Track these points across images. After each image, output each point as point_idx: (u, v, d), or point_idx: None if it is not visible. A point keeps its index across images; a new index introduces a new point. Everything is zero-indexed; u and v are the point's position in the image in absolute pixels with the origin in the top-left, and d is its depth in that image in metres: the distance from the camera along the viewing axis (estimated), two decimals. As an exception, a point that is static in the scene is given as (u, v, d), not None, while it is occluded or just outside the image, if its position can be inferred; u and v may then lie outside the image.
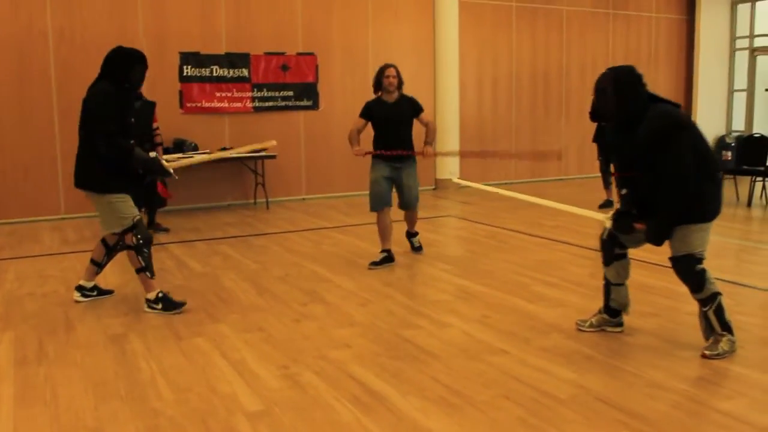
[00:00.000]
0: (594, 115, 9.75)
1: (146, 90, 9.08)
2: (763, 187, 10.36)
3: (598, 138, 9.96)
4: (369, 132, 6.92)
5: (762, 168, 10.22)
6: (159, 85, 9.76)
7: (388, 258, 6.73)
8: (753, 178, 10.26)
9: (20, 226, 9.35)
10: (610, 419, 3.35)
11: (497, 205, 10.44)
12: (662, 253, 6.87)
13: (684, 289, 5.42)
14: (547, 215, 9.35)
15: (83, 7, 9.81)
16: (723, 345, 4.21)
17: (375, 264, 6.63)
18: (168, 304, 5.28)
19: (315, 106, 11.42)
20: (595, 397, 3.60)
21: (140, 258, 5.26)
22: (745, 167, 10.54)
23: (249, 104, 10.89)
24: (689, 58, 15.22)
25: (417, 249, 7.28)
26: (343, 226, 8.65)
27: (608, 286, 4.66)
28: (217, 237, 8.29)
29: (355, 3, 11.69)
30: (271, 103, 11.07)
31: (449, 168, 12.42)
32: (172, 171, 5.45)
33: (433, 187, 12.56)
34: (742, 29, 15.07)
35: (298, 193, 11.48)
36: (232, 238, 8.25)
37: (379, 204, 6.77)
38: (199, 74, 10.50)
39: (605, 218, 4.50)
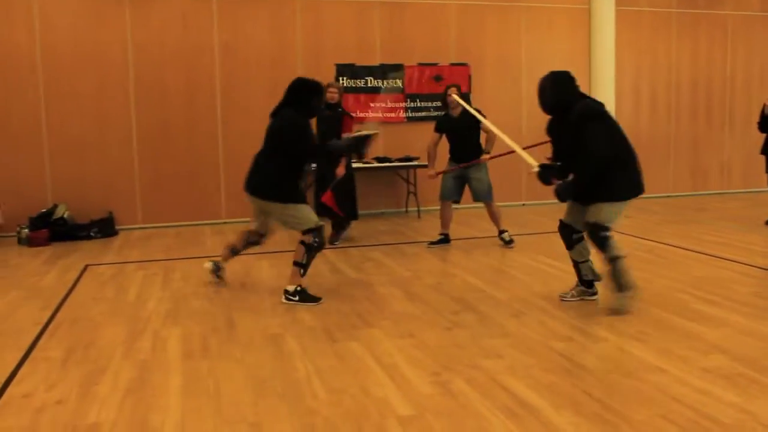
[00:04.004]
0: (763, 126, 9.31)
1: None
2: None
3: (766, 150, 9.40)
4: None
5: None
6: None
7: (444, 240, 8.25)
8: None
9: (185, 228, 9.90)
10: (779, 447, 3.16)
11: (655, 219, 10.08)
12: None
13: None
14: (710, 231, 8.93)
15: (247, 23, 10.30)
16: (623, 301, 5.31)
17: (432, 243, 8.20)
18: (305, 296, 5.79)
19: (467, 116, 11.42)
20: (763, 423, 3.39)
21: (306, 256, 5.80)
22: None
23: (402, 114, 11.05)
24: None
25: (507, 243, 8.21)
26: (494, 236, 8.55)
27: (577, 265, 5.68)
28: (370, 244, 8.45)
29: (509, 13, 11.62)
30: (424, 113, 11.18)
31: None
32: (371, 133, 6.00)
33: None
34: None
35: (448, 203, 11.50)
36: (384, 245, 8.38)
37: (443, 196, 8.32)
38: (354, 85, 10.76)
39: (535, 165, 5.54)
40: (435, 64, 11.18)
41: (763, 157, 9.53)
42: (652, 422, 3.42)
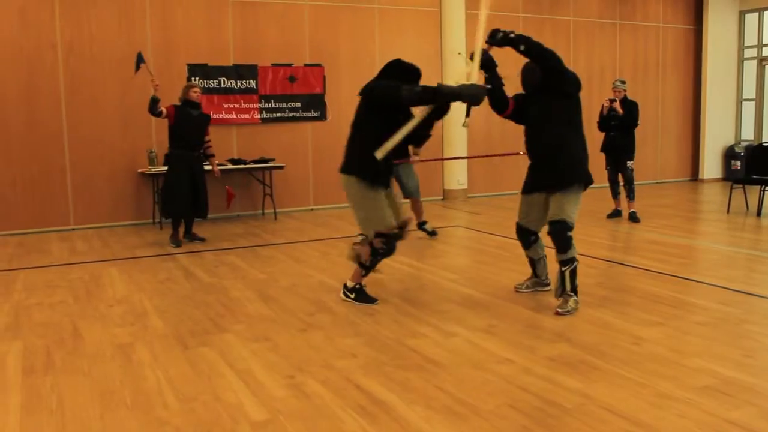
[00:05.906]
0: (602, 125, 9.84)
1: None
2: (773, 196, 10.33)
3: (606, 148, 9.94)
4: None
5: (771, 177, 10.17)
6: (167, 97, 9.79)
7: None
8: (762, 188, 10.21)
9: (29, 236, 9.39)
10: (616, 429, 3.33)
11: (506, 215, 10.43)
12: (674, 263, 6.85)
13: (691, 298, 5.50)
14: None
15: (92, 20, 9.88)
16: (570, 303, 5.27)
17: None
18: (361, 296, 5.64)
19: (322, 117, 11.45)
20: (601, 406, 3.58)
21: (372, 259, 5.52)
22: (754, 177, 10.48)
23: (257, 115, 10.93)
24: (697, 67, 15.20)
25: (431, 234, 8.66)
26: (351, 236, 8.61)
27: (533, 262, 5.93)
28: (225, 247, 8.31)
29: (362, 14, 11.73)
30: (278, 114, 11.10)
31: (457, 178, 12.44)
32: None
33: (441, 197, 12.56)
34: (750, 39, 15.04)
35: (306, 204, 11.50)
36: (239, 248, 8.27)
37: None
38: (207, 86, 10.54)
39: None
40: (289, 65, 11.13)
41: (603, 155, 10.06)
42: (500, 411, 3.54)
